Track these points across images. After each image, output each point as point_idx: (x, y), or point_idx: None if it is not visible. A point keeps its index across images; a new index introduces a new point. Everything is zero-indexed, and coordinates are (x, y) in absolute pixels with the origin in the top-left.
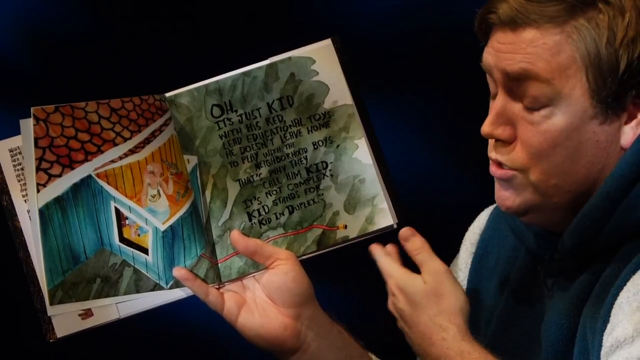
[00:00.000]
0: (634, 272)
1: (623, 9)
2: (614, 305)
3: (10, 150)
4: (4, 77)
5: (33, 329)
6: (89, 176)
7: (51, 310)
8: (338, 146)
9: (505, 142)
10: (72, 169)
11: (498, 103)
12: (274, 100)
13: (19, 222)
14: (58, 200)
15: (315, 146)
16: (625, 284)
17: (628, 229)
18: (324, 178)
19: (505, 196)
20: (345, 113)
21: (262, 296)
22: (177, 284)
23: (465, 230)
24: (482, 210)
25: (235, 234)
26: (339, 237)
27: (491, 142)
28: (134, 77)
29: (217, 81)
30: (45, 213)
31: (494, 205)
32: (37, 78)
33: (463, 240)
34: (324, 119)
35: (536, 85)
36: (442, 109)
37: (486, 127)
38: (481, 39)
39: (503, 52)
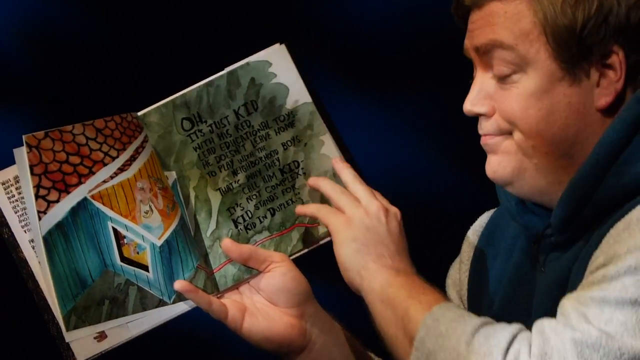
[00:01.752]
0: (617, 221)
1: None
2: (598, 247)
3: (3, 183)
4: (4, 77)
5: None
6: (85, 199)
7: (68, 337)
8: (306, 144)
9: (487, 117)
10: (68, 193)
11: (476, 82)
12: (239, 107)
13: (22, 253)
14: (59, 226)
15: (285, 147)
16: (609, 231)
17: (617, 194)
18: (297, 177)
19: (492, 162)
20: (307, 111)
21: (262, 300)
22: (180, 298)
23: (466, 230)
24: (482, 210)
25: (228, 243)
26: (322, 232)
27: (479, 120)
28: (136, 75)
29: (183, 95)
30: (49, 240)
31: (494, 209)
32: (37, 78)
33: (465, 237)
34: (288, 119)
35: (503, 53)
36: (442, 109)
37: (467, 105)
38: (462, 27)
39: (474, 30)
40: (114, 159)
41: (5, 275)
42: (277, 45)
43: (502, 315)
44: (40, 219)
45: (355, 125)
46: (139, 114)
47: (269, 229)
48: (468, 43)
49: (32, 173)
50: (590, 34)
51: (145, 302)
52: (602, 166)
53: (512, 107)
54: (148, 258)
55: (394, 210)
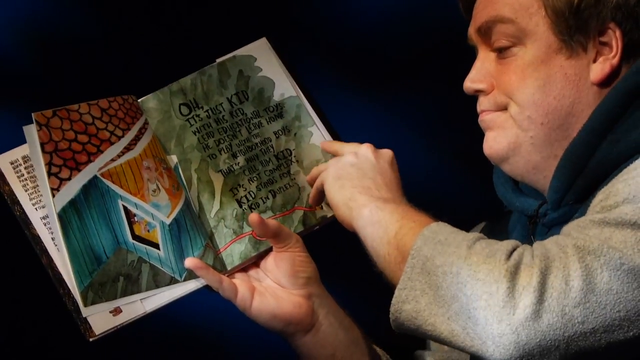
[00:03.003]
0: (619, 171)
1: None
2: (599, 191)
3: (12, 163)
4: (4, 77)
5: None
6: (95, 176)
7: (86, 312)
8: (295, 134)
9: (486, 93)
10: (79, 170)
11: (477, 60)
12: (232, 95)
13: (35, 230)
14: (72, 203)
15: (277, 135)
16: (604, 187)
17: (612, 162)
18: (291, 164)
19: (489, 138)
20: (293, 104)
21: (269, 282)
22: (191, 276)
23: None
24: (481, 211)
25: (255, 217)
26: (319, 216)
27: (479, 99)
28: (136, 75)
29: (178, 82)
30: (63, 217)
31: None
32: (37, 78)
33: None
34: (277, 110)
35: (503, 27)
36: (441, 108)
37: (467, 83)
38: (466, 18)
39: (477, 13)
40: (119, 138)
41: (19, 251)
42: (260, 40)
43: None
44: (53, 196)
45: (351, 123)
46: (141, 99)
47: (272, 210)
48: (471, 29)
49: (43, 151)
50: (587, 6)
51: (158, 280)
52: (597, 135)
53: (510, 78)
54: (158, 236)
55: (385, 150)
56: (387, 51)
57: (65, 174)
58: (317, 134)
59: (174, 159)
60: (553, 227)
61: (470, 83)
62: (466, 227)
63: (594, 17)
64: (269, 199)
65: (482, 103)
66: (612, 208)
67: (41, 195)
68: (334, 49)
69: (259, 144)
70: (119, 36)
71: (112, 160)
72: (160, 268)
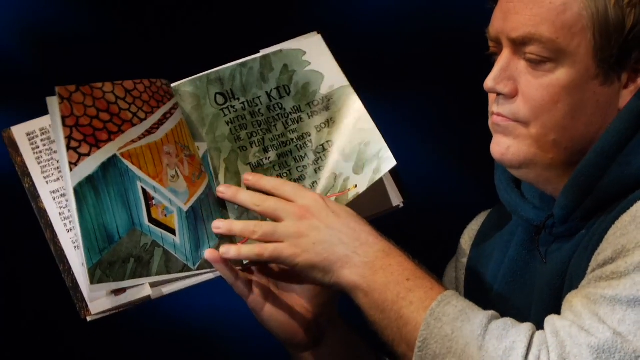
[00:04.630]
0: (622, 212)
1: None
2: (604, 238)
3: (28, 134)
4: (4, 77)
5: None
6: (115, 155)
7: (92, 289)
8: (341, 124)
9: (507, 97)
10: (99, 148)
11: (502, 59)
12: (272, 90)
13: (42, 203)
14: (90, 179)
15: (318, 129)
16: (614, 223)
17: (622, 184)
18: (330, 155)
19: (502, 143)
20: (343, 93)
21: (287, 290)
22: (204, 266)
23: (462, 228)
24: (480, 208)
25: (210, 255)
26: (351, 196)
27: (492, 97)
28: (131, 74)
29: (217, 71)
30: (79, 192)
31: (490, 209)
32: (37, 78)
33: (462, 235)
34: (322, 104)
35: (541, 46)
36: (441, 108)
37: (489, 82)
38: (490, 6)
39: (510, 13)
40: (142, 120)
41: (25, 226)
42: (312, 35)
43: (500, 309)
44: (71, 170)
45: None
46: (174, 85)
47: None
48: (499, 27)
49: (64, 124)
50: (636, 37)
51: (170, 266)
52: (607, 155)
53: (542, 96)
54: (175, 222)
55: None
56: (387, 51)
57: (84, 149)
58: (364, 116)
59: (204, 146)
60: (559, 238)
61: (493, 84)
62: (463, 224)
63: (637, 48)
64: None
65: (502, 107)
66: (623, 276)
67: (54, 169)
68: (333, 48)
69: (294, 140)
70: (168, 18)
71: (133, 141)
72: (174, 254)
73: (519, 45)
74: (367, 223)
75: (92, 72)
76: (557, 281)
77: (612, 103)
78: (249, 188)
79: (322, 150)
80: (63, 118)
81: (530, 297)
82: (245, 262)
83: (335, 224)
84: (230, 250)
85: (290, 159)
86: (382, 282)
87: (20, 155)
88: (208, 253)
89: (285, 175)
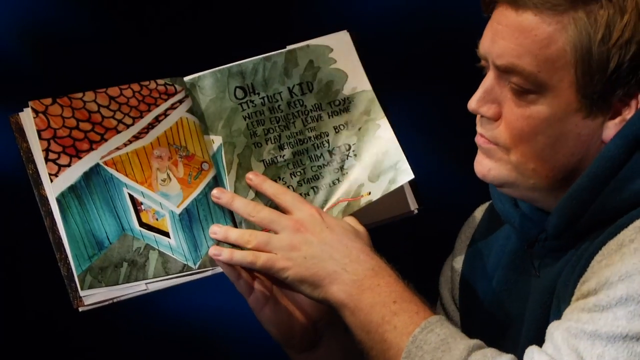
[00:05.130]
0: (610, 237)
1: (624, 8)
2: (588, 267)
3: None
4: (4, 77)
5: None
6: (97, 164)
7: (83, 294)
8: (360, 128)
9: (491, 120)
10: (80, 158)
11: (487, 81)
12: (294, 85)
13: (44, 190)
14: (72, 188)
15: (337, 130)
16: (600, 248)
17: (614, 209)
18: (347, 159)
19: (483, 164)
20: (365, 98)
21: (288, 292)
22: (206, 264)
23: (460, 226)
24: (476, 207)
25: (213, 251)
26: (363, 203)
27: (478, 116)
28: (131, 74)
29: (239, 64)
30: (62, 202)
31: (489, 202)
32: (37, 78)
33: (458, 234)
34: (344, 105)
35: (523, 78)
36: (441, 108)
37: (473, 104)
38: (484, 12)
39: (498, 36)
40: (128, 126)
41: (28, 213)
42: (342, 32)
43: (494, 315)
44: (51, 181)
45: None
46: (193, 77)
47: None
48: (487, 47)
49: (40, 137)
50: (620, 77)
51: (168, 267)
52: (600, 180)
53: (522, 126)
54: (168, 224)
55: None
56: (387, 51)
57: (64, 160)
58: (385, 126)
59: (219, 139)
60: (551, 252)
61: (476, 106)
62: (461, 221)
63: (622, 86)
64: (309, 195)
65: (484, 128)
66: (605, 310)
67: None
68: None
69: (312, 138)
70: (168, 18)
71: (118, 148)
72: (172, 255)
73: (502, 72)
74: (361, 240)
75: (92, 72)
76: (547, 298)
77: (594, 135)
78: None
79: (339, 153)
80: (39, 132)
81: (524, 305)
82: None
83: (328, 239)
84: (222, 253)
85: (305, 157)
86: (369, 302)
87: (27, 142)
88: (213, 250)
89: (298, 174)
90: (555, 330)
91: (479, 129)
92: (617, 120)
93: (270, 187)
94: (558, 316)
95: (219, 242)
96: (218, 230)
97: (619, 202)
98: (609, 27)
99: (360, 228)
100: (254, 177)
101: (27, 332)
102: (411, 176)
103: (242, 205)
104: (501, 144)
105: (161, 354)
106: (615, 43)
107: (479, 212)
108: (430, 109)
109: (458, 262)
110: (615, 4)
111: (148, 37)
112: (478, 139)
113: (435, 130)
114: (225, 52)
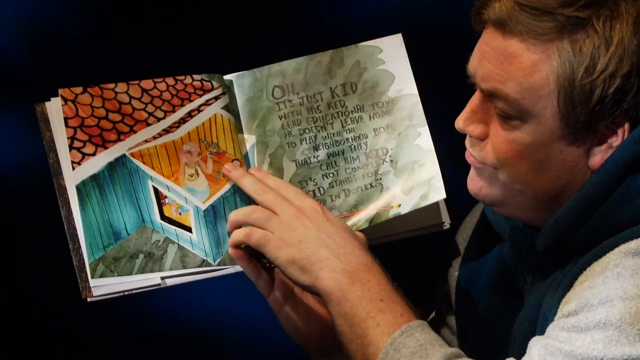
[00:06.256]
0: (594, 259)
1: (610, 41)
2: (571, 287)
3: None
4: (4, 77)
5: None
6: (123, 155)
7: (93, 283)
8: (400, 133)
9: (478, 139)
10: (106, 148)
11: (475, 101)
12: (337, 86)
13: (63, 180)
14: (94, 177)
15: (376, 132)
16: (584, 269)
17: (603, 233)
18: (383, 163)
19: (476, 183)
20: (409, 102)
21: (308, 294)
22: (226, 262)
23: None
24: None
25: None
26: (392, 214)
27: None
28: (131, 74)
29: (281, 64)
30: (82, 190)
31: None
32: (37, 78)
33: (455, 235)
34: (387, 107)
35: (507, 104)
36: (442, 108)
37: (460, 123)
38: (475, 28)
39: (485, 58)
40: (159, 119)
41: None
42: (395, 35)
43: (488, 319)
44: (73, 169)
45: None
46: (232, 75)
47: (339, 209)
48: (474, 67)
49: (66, 125)
50: (603, 109)
51: (187, 261)
52: (589, 205)
53: (506, 150)
54: (191, 220)
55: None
56: None
57: (89, 149)
58: (425, 136)
59: (252, 138)
60: (544, 266)
61: (463, 125)
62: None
63: (606, 117)
64: (339, 197)
65: (472, 147)
66: (582, 332)
67: None
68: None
69: (350, 140)
70: (168, 18)
71: (146, 141)
72: (191, 250)
73: (487, 95)
74: (358, 239)
75: (92, 72)
76: (534, 314)
77: (580, 160)
78: None
79: (375, 156)
80: (66, 119)
81: (515, 316)
82: (265, 262)
83: (326, 229)
84: (233, 171)
85: (340, 159)
86: (357, 295)
87: (50, 131)
88: (232, 251)
89: (331, 175)
90: (534, 345)
91: (468, 147)
92: (604, 147)
93: (272, 181)
94: (542, 332)
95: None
96: (230, 169)
97: (609, 226)
98: (593, 58)
99: (360, 234)
100: (256, 172)
101: (26, 328)
102: (443, 196)
103: (251, 182)
104: (489, 164)
105: (161, 354)
106: (599, 76)
107: (477, 210)
108: (430, 109)
109: (455, 265)
110: (601, 35)
111: (148, 37)
112: (468, 157)
113: (436, 130)
114: (225, 52)
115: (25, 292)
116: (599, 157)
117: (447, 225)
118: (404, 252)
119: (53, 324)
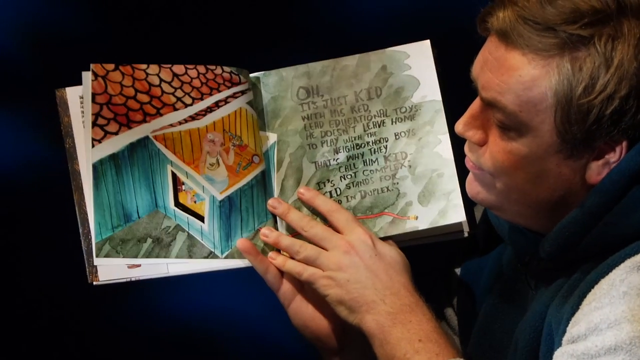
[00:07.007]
0: (601, 276)
1: (610, 61)
2: (579, 307)
3: (81, 97)
4: (4, 77)
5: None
6: (146, 137)
7: (97, 262)
8: (420, 139)
9: (477, 145)
10: (130, 128)
11: (475, 106)
12: (362, 90)
13: (78, 165)
14: (113, 157)
15: (397, 137)
16: (592, 287)
17: (608, 243)
18: (401, 168)
19: (473, 187)
20: (432, 108)
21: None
22: (234, 255)
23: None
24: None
25: (242, 244)
26: (409, 226)
27: None
28: None
29: (307, 65)
30: (98, 168)
31: None
32: (37, 78)
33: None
34: (410, 112)
35: (505, 115)
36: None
37: (459, 127)
38: (479, 32)
39: (487, 67)
40: (187, 105)
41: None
42: (424, 42)
43: (485, 329)
44: (93, 146)
45: None
46: (259, 73)
47: (354, 210)
48: (477, 73)
49: (93, 101)
50: (600, 128)
51: (193, 250)
52: (593, 215)
53: (503, 160)
54: (205, 209)
55: (388, 244)
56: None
57: (113, 127)
58: (445, 143)
59: (274, 137)
60: (548, 270)
61: (463, 130)
62: None
63: (603, 136)
64: (355, 198)
65: (471, 152)
66: (593, 358)
67: None
68: (332, 48)
69: (371, 143)
70: (168, 18)
71: (171, 125)
72: (200, 240)
73: (487, 104)
74: (406, 274)
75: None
76: (538, 322)
77: (577, 174)
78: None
79: (394, 160)
80: (93, 95)
81: (518, 321)
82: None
83: (374, 267)
84: (277, 259)
85: (359, 161)
86: (397, 336)
87: (68, 116)
88: (240, 243)
89: (349, 177)
90: None
91: (467, 151)
92: (601, 162)
93: (324, 204)
94: (548, 344)
95: (254, 236)
96: (276, 205)
97: (612, 237)
98: (592, 78)
99: (404, 262)
100: (306, 192)
101: (29, 324)
102: (463, 218)
103: (297, 218)
104: (486, 171)
105: (163, 351)
106: (597, 96)
107: (478, 211)
108: (452, 117)
109: (457, 265)
110: (602, 54)
111: (148, 37)
112: (467, 162)
113: (457, 138)
114: (225, 53)
115: (29, 286)
116: (596, 171)
117: (466, 234)
118: (405, 253)
119: (47, 331)
